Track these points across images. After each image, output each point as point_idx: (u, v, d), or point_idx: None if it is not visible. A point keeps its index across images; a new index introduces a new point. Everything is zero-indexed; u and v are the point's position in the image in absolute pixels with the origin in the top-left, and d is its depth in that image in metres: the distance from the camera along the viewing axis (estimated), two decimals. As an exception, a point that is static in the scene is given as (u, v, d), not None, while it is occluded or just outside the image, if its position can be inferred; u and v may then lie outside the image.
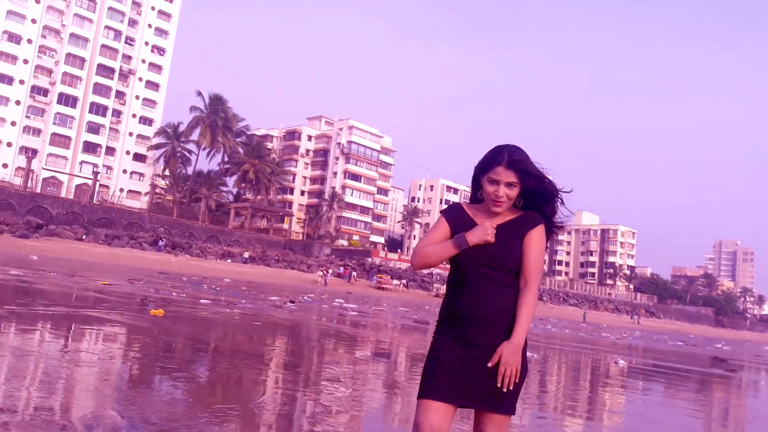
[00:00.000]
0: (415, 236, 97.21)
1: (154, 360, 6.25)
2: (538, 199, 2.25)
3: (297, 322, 13.29)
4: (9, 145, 62.50)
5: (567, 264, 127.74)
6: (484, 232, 2.14)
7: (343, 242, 79.11)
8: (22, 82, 63.78)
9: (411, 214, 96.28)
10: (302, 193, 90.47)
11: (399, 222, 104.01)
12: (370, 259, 60.81)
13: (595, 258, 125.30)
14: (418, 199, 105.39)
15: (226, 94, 66.01)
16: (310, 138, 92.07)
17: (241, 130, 71.29)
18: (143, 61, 72.97)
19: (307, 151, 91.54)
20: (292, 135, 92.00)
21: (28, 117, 64.28)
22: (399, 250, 78.30)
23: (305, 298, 23.72)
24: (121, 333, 7.98)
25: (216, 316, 11.91)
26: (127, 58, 71.64)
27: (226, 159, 70.75)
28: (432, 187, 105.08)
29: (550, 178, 2.28)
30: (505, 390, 2.05)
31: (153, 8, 73.82)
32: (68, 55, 66.45)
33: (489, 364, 2.05)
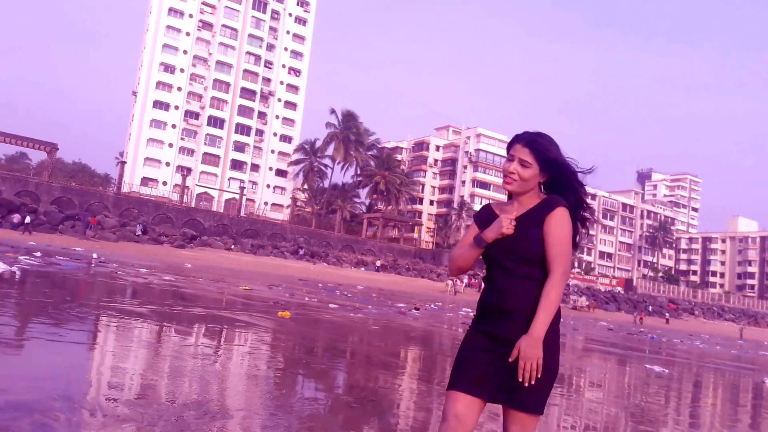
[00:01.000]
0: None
1: (269, 356, 6.89)
2: (561, 186, 2.20)
3: (415, 327, 13.66)
4: (168, 164, 69.72)
5: (722, 275, 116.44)
6: (499, 225, 2.10)
7: (472, 251, 78.37)
8: (177, 107, 70.91)
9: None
10: (431, 202, 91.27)
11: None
12: (500, 268, 59.80)
13: (754, 268, 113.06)
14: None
15: (357, 110, 68.73)
16: (438, 148, 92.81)
17: (372, 144, 73.66)
18: (281, 82, 78.04)
19: (436, 161, 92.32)
20: (420, 146, 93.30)
21: (182, 139, 71.32)
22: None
23: (431, 306, 24.05)
24: (244, 331, 8.78)
25: (338, 320, 12.61)
26: (267, 80, 77.03)
27: (358, 172, 73.45)
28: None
29: (576, 168, 2.23)
30: (526, 385, 1.98)
31: (288, 32, 78.77)
32: (215, 80, 72.87)
33: (510, 359, 2.00)
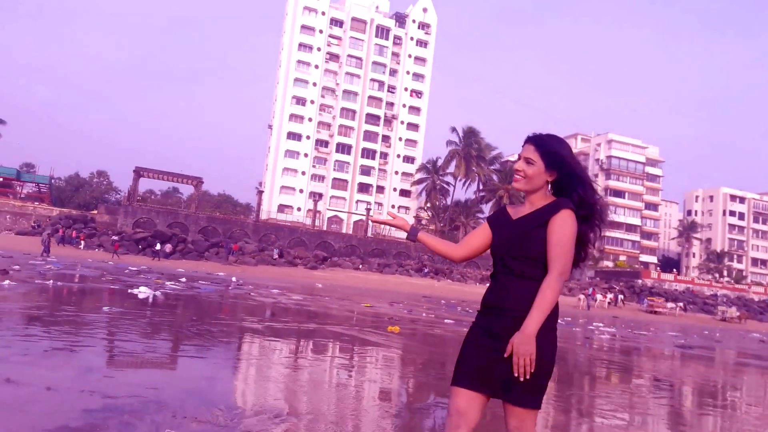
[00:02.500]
0: (694, 254, 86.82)
1: (355, 367, 7.19)
2: (566, 186, 2.23)
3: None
4: (301, 191, 73.85)
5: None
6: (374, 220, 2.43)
7: (608, 263, 74.61)
8: (308, 137, 75.06)
9: (687, 230, 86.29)
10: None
11: (674, 239, 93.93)
12: (640, 281, 56.30)
13: None
14: (696, 212, 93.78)
15: (479, 125, 68.42)
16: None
17: (494, 158, 72.87)
18: (404, 105, 79.89)
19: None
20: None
21: (314, 166, 75.24)
22: (675, 270, 70.73)
23: (559, 321, 23.22)
24: (345, 344, 9.17)
25: (448, 334, 12.69)
26: (390, 104, 79.24)
27: (480, 187, 72.92)
28: (711, 197, 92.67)
29: (583, 168, 2.26)
30: (522, 380, 2.03)
31: (410, 56, 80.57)
32: (342, 109, 76.26)
33: (505, 355, 2.06)
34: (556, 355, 2.14)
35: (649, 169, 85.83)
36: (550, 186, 2.28)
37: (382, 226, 75.62)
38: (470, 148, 69.06)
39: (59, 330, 6.82)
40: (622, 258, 78.19)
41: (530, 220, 2.20)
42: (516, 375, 2.03)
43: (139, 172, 54.70)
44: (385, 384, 5.94)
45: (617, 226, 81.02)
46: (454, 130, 70.61)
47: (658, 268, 73.84)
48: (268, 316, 12.52)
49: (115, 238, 42.69)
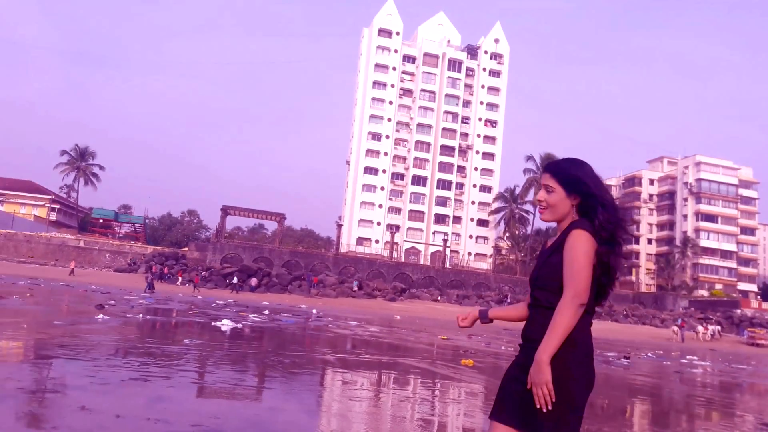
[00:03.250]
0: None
1: (421, 401, 7.07)
2: (589, 209, 2.13)
3: (611, 376, 12.72)
4: (378, 224, 74.61)
5: None
6: (463, 325, 2.57)
7: (702, 292, 70.02)
8: (384, 171, 76.09)
9: (793, 254, 79.93)
10: (649, 241, 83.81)
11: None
12: (739, 311, 52.37)
13: None
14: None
15: (557, 151, 66.69)
16: (651, 182, 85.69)
17: (576, 184, 70.85)
18: (478, 135, 79.62)
19: (651, 196, 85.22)
20: (632, 181, 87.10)
21: (390, 199, 75.99)
22: (779, 299, 65.45)
23: (647, 355, 22.01)
24: (413, 377, 9.07)
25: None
26: (464, 135, 79.21)
27: (563, 215, 70.87)
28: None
29: (603, 191, 2.15)
30: (544, 411, 1.96)
31: (483, 86, 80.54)
32: (417, 142, 76.95)
33: (527, 387, 2.01)
34: (584, 386, 2.03)
35: (743, 192, 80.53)
36: (575, 211, 2.20)
37: (461, 256, 74.39)
38: (549, 175, 67.48)
39: (139, 361, 7.18)
40: (718, 287, 73.16)
41: (551, 248, 2.16)
42: (537, 406, 1.96)
43: (226, 211, 57.26)
44: (439, 418, 5.82)
45: (711, 252, 76.13)
46: (530, 158, 69.47)
47: (759, 296, 68.43)
48: (341, 348, 12.62)
49: (204, 273, 44.69)
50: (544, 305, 2.09)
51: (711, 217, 77.46)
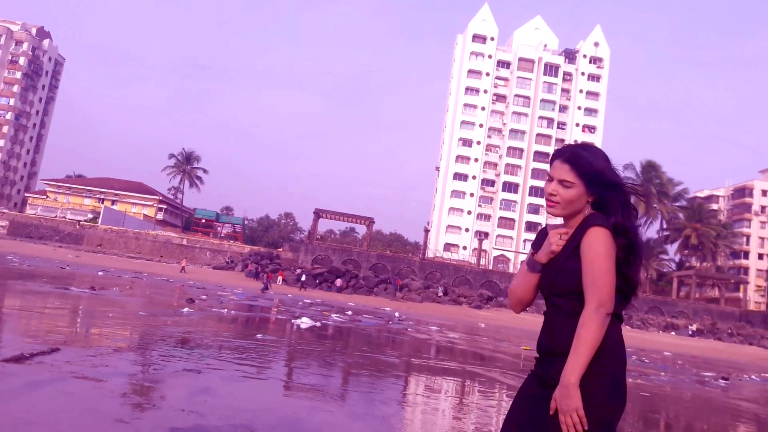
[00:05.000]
0: None
1: (478, 411, 6.74)
2: (605, 207, 1.87)
3: (703, 397, 11.69)
4: (467, 230, 73.74)
5: None
6: (548, 243, 1.89)
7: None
8: (474, 177, 75.15)
9: None
10: (760, 256, 77.29)
11: None
12: None
13: None
14: None
15: (660, 159, 63.10)
16: (764, 193, 79.11)
17: (679, 194, 66.66)
18: (575, 141, 76.82)
19: (763, 208, 78.63)
20: (742, 192, 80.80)
21: (480, 206, 74.91)
22: None
23: (751, 377, 20.20)
24: (477, 386, 8.70)
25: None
26: (560, 141, 76.62)
27: (664, 225, 66.86)
28: None
29: (624, 188, 1.88)
30: None
31: (581, 91, 77.72)
32: (509, 148, 75.40)
33: (550, 413, 1.75)
34: (617, 405, 1.76)
35: None
36: (590, 206, 1.92)
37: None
38: (650, 184, 63.96)
39: (201, 353, 7.37)
40: None
41: (566, 249, 1.88)
42: None
43: (318, 214, 58.74)
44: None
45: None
46: (628, 166, 66.15)
47: None
48: (412, 352, 12.45)
49: (298, 272, 46.01)
50: (566, 311, 1.83)
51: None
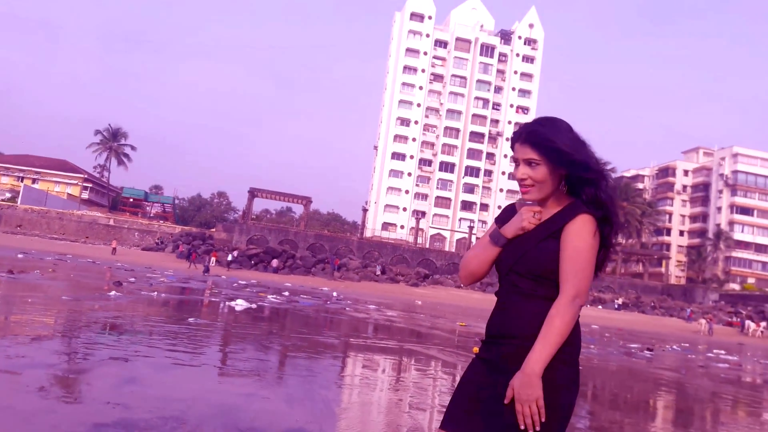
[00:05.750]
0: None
1: (429, 394, 6.74)
2: (576, 180, 1.77)
3: (632, 368, 12.22)
4: (404, 209, 74.31)
5: None
6: (519, 219, 1.78)
7: (734, 286, 68.18)
8: (412, 157, 75.57)
9: (833, 251, 77.18)
10: (681, 233, 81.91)
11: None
12: (774, 306, 50.79)
13: None
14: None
15: (589, 139, 65.23)
16: (686, 173, 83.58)
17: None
18: (509, 122, 78.36)
19: (684, 187, 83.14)
20: (665, 172, 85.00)
21: (417, 185, 75.53)
22: (817, 296, 63.30)
23: (672, 347, 21.35)
24: (416, 364, 8.77)
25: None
26: (495, 122, 78.06)
27: (592, 204, 69.61)
28: None
29: (592, 156, 1.78)
30: None
31: (516, 72, 79.14)
32: (446, 128, 76.15)
33: (505, 401, 1.64)
34: (574, 391, 1.69)
35: (782, 185, 78.00)
36: (564, 183, 1.82)
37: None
38: (580, 164, 66.29)
39: (129, 340, 7.00)
40: (751, 281, 71.13)
41: (539, 229, 1.77)
42: (522, 427, 1.60)
43: (253, 193, 57.61)
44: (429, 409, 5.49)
45: (744, 245, 74.06)
46: (562, 145, 68.18)
47: (794, 292, 66.41)
48: (350, 331, 12.37)
49: (235, 253, 45.01)
50: (525, 292, 1.73)
51: (746, 210, 75.31)
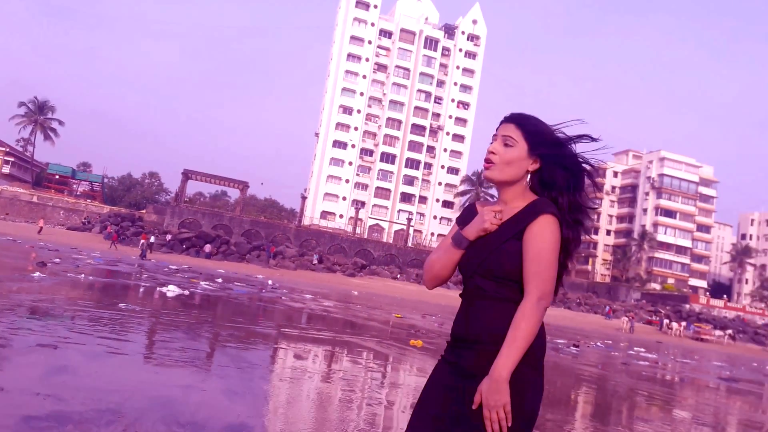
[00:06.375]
0: (746, 280, 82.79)
1: (364, 390, 6.77)
2: (553, 181, 1.77)
3: (559, 364, 12.70)
4: (344, 199, 74.09)
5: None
6: (480, 220, 1.75)
7: (655, 286, 71.90)
8: (353, 146, 75.34)
9: (741, 254, 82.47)
10: (608, 232, 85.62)
11: (726, 263, 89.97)
12: (687, 306, 53.94)
13: None
14: (751, 236, 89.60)
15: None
16: (616, 174, 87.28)
17: (541, 172, 71.49)
18: (450, 116, 79.33)
19: (613, 188, 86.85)
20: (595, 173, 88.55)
21: (358, 175, 75.41)
22: (725, 296, 67.63)
23: (597, 344, 22.26)
24: (355, 357, 8.80)
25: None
26: (436, 115, 78.82)
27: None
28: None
29: (577, 159, 1.78)
30: None
31: (458, 67, 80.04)
32: (388, 119, 76.26)
33: (473, 407, 1.63)
34: (540, 394, 1.69)
35: (703, 190, 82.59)
36: (529, 179, 1.82)
37: (424, 236, 74.52)
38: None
39: (59, 325, 6.67)
40: (671, 281, 75.20)
41: (502, 229, 1.75)
42: None
43: (187, 175, 55.95)
44: (367, 405, 5.51)
45: (666, 247, 78.09)
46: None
47: (708, 293, 70.80)
48: (287, 322, 12.25)
49: (169, 237, 43.59)
50: (493, 297, 1.70)
51: (670, 213, 79.29)
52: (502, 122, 1.84)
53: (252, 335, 8.84)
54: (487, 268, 1.72)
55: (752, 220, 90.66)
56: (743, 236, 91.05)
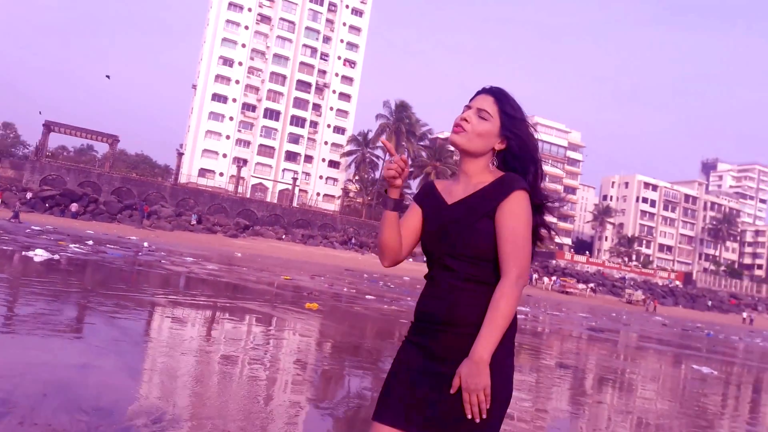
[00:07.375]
0: (606, 237, 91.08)
1: (276, 363, 6.64)
2: (516, 164, 1.75)
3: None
4: (224, 156, 71.28)
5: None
6: (386, 166, 1.70)
7: (527, 244, 76.99)
8: (234, 100, 72.29)
9: (602, 214, 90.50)
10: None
11: (588, 222, 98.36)
12: (554, 261, 58.48)
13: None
14: (611, 197, 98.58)
15: (412, 100, 68.13)
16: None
17: (425, 134, 73.04)
18: (336, 74, 78.28)
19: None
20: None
21: (239, 131, 72.69)
22: (587, 253, 74.14)
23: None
24: (257, 326, 8.63)
25: (368, 312, 12.34)
26: (322, 72, 77.43)
27: (410, 162, 73.04)
28: (627, 184, 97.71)
29: (538, 148, 1.80)
30: (477, 421, 1.55)
31: (345, 24, 78.81)
32: (272, 73, 73.80)
33: (451, 391, 1.57)
34: (513, 372, 1.66)
35: (570, 154, 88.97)
36: (494, 158, 1.78)
37: (309, 196, 73.80)
38: (401, 123, 68.85)
39: None
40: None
41: (471, 207, 1.68)
42: (469, 416, 1.54)
43: (49, 127, 51.15)
44: (280, 383, 5.40)
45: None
46: (386, 103, 70.08)
47: (572, 249, 76.92)
48: (173, 288, 11.65)
49: (29, 195, 39.58)
50: (466, 278, 1.64)
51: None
52: (479, 93, 1.79)
53: (141, 304, 8.29)
54: (459, 248, 1.66)
55: (612, 183, 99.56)
56: (605, 197, 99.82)
